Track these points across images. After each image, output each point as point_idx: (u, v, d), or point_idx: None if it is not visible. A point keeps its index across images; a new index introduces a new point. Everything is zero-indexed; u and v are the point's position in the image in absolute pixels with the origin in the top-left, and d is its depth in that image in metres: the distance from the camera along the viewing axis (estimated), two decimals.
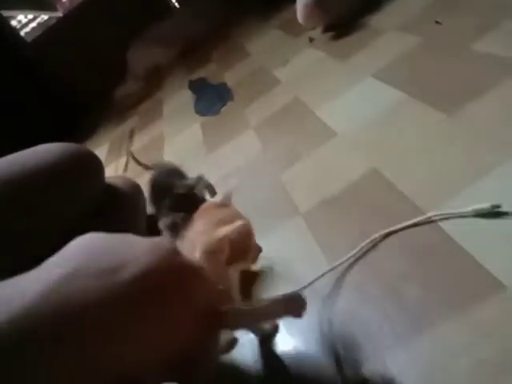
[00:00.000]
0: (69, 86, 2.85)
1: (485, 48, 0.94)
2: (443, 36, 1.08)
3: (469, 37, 1.00)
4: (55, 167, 0.92)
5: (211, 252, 0.50)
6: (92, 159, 1.04)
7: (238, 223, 0.51)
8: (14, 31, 3.07)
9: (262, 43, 1.91)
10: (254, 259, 0.56)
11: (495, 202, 0.62)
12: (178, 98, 2.02)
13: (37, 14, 3.75)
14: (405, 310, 0.59)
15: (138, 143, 1.83)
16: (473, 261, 0.58)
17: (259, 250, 0.57)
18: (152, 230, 1.10)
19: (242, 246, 0.53)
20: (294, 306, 0.61)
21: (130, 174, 1.58)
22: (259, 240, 0.82)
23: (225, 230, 0.51)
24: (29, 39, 3.24)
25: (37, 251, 0.81)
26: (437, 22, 1.14)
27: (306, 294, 0.70)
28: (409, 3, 1.37)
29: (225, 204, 0.59)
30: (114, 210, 1.01)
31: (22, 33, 3.53)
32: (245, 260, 0.55)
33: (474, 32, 1.00)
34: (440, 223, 0.65)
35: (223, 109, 1.58)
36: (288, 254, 0.80)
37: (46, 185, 0.89)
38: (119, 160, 1.78)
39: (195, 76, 2.14)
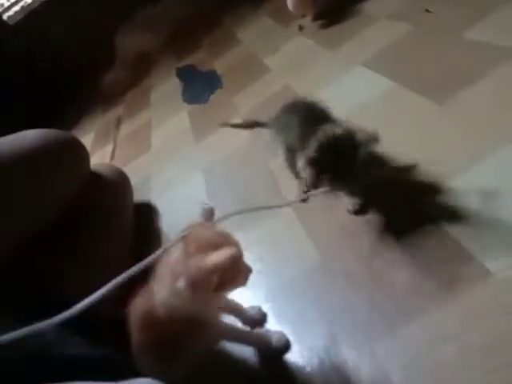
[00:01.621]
0: (54, 71, 2.78)
1: (476, 36, 0.94)
2: (434, 24, 1.07)
3: (460, 25, 1.00)
4: (36, 153, 0.90)
5: (199, 285, 0.45)
6: (75, 144, 1.02)
7: (228, 252, 0.45)
8: None
9: (253, 31, 1.88)
10: (244, 282, 0.51)
11: (491, 186, 0.62)
12: (166, 86, 1.98)
13: None
14: (393, 298, 0.59)
15: (125, 131, 1.80)
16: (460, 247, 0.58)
17: (249, 271, 0.51)
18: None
19: (232, 273, 0.48)
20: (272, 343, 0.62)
21: (116, 162, 1.55)
22: (248, 230, 0.81)
23: (214, 260, 0.45)
24: (11, 22, 3.14)
25: (16, 237, 0.79)
26: (427, 11, 1.14)
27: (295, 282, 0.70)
28: None
29: (208, 223, 0.54)
30: (99, 196, 1.00)
31: (5, 16, 3.43)
32: (234, 285, 0.50)
33: (465, 20, 1.00)
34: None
35: (212, 96, 1.55)
36: (278, 245, 0.79)
37: (25, 171, 0.86)
38: (105, 148, 1.75)
39: (184, 63, 2.10)
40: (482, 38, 0.92)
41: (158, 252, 0.48)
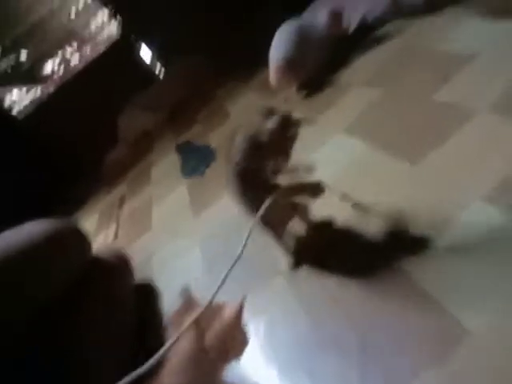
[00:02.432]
0: (61, 157, 2.94)
1: (443, 98, 1.00)
2: (405, 88, 1.15)
3: (428, 88, 1.06)
4: (39, 247, 0.96)
5: None
6: (77, 234, 1.08)
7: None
8: (3, 110, 3.23)
9: (243, 104, 2.01)
10: (241, 351, 0.53)
11: (461, 243, 0.64)
12: (166, 162, 2.08)
13: (29, 87, 3.94)
14: (382, 365, 0.58)
15: (128, 210, 1.86)
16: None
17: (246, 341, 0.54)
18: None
19: (232, 338, 0.50)
20: None
21: (119, 242, 1.60)
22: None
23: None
24: (22, 117, 3.38)
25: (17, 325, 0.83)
26: (399, 77, 1.22)
27: None
28: (374, 58, 1.46)
29: (192, 305, 0.57)
30: (99, 282, 1.03)
31: (15, 111, 3.69)
32: (233, 353, 0.52)
33: (433, 83, 1.07)
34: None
35: (207, 170, 1.62)
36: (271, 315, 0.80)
37: (28, 264, 0.92)
38: (110, 228, 1.81)
39: (182, 138, 2.21)
40: (449, 99, 0.98)
41: (166, 347, 0.50)
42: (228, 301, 0.59)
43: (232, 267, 0.69)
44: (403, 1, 1.48)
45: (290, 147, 0.75)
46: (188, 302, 0.57)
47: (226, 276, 0.62)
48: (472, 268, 0.61)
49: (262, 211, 0.71)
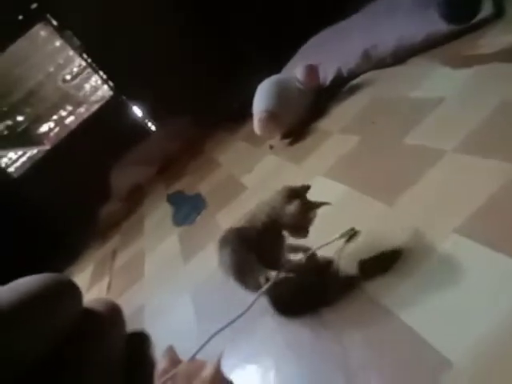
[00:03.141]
0: (55, 213, 2.98)
1: (413, 141, 1.07)
2: (378, 134, 1.23)
3: (399, 132, 1.14)
4: (36, 300, 0.98)
5: None
6: (68, 287, 1.09)
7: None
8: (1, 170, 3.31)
9: (230, 154, 2.09)
10: None
11: (441, 276, 0.68)
12: (158, 213, 2.12)
13: (25, 150, 4.05)
14: None
15: (120, 261, 1.88)
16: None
17: None
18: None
19: None
20: None
21: (112, 293, 1.60)
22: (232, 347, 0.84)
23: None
24: (18, 174, 3.45)
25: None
26: (372, 123, 1.30)
27: None
28: (349, 106, 1.56)
29: (176, 362, 0.60)
30: (91, 332, 1.03)
31: (12, 168, 3.77)
32: None
33: (403, 127, 1.15)
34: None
35: (198, 218, 1.67)
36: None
37: (28, 316, 0.94)
38: (103, 280, 1.81)
39: (173, 189, 2.28)
40: (419, 142, 1.05)
41: None
42: (206, 359, 0.61)
43: (220, 330, 0.73)
44: (373, 54, 1.61)
45: (308, 228, 0.82)
46: (172, 360, 0.60)
47: (212, 336, 0.66)
48: (451, 298, 0.64)
49: (268, 286, 0.79)
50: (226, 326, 0.69)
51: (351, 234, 0.90)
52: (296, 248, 0.88)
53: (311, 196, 1.16)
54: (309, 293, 0.84)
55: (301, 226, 0.81)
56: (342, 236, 0.90)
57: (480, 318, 0.57)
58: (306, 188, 0.85)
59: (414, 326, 0.63)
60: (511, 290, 0.57)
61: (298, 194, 0.83)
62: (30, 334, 0.94)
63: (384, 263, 0.78)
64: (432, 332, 0.61)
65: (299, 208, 0.78)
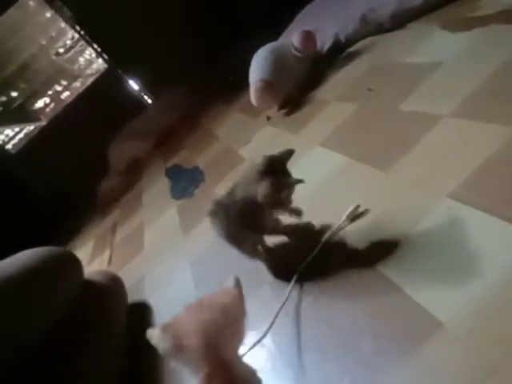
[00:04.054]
0: (54, 189, 2.98)
1: (410, 107, 1.06)
2: (375, 101, 1.21)
3: (396, 99, 1.12)
4: (37, 272, 0.99)
5: None
6: (68, 259, 1.11)
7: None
8: None
9: (228, 126, 2.07)
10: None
11: (434, 240, 0.68)
12: (156, 187, 2.12)
13: (22, 126, 4.02)
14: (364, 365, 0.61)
15: (121, 235, 1.89)
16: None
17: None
18: None
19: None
20: None
21: (113, 267, 1.62)
22: None
23: None
24: (15, 150, 3.44)
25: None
26: (369, 90, 1.28)
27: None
28: (347, 74, 1.53)
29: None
30: (92, 304, 1.05)
31: (10, 145, 3.75)
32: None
33: (400, 94, 1.13)
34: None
35: (196, 191, 1.67)
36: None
37: (29, 288, 0.95)
38: (104, 254, 1.83)
39: (170, 163, 2.27)
40: (415, 108, 1.04)
41: None
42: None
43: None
44: (371, 19, 1.57)
45: (286, 205, 0.82)
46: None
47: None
48: (445, 261, 0.64)
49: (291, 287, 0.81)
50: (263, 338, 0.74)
51: (358, 214, 0.86)
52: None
53: (309, 166, 1.17)
54: (304, 259, 0.84)
55: (275, 204, 0.80)
56: (348, 217, 0.86)
57: (473, 280, 0.58)
58: (288, 154, 0.82)
59: (406, 290, 0.64)
60: (505, 252, 0.58)
61: (276, 165, 0.80)
62: (31, 307, 0.95)
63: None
64: (425, 295, 0.62)
65: (270, 188, 0.76)
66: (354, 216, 0.86)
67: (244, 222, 0.80)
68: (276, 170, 0.79)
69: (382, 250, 0.74)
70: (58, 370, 0.88)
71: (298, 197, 0.83)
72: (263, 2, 2.74)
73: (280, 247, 0.91)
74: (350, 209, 0.85)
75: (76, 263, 1.11)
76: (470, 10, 1.24)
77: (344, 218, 0.86)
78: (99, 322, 1.03)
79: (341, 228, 0.86)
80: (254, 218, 0.81)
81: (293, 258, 0.87)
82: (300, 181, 0.80)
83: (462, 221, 0.67)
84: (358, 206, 0.86)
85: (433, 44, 1.23)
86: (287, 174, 0.81)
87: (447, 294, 0.60)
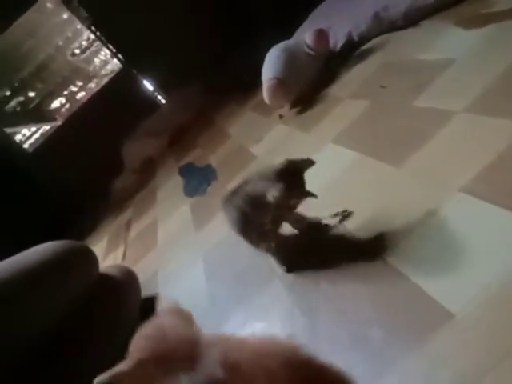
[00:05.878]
0: (70, 187, 3.04)
1: (422, 104, 1.06)
2: (388, 98, 1.21)
3: (409, 96, 1.12)
4: (53, 264, 1.02)
5: None
6: (84, 252, 1.13)
7: None
8: (15, 145, 3.36)
9: (240, 125, 2.09)
10: None
11: (446, 234, 0.68)
12: (170, 184, 2.15)
13: (38, 126, 4.10)
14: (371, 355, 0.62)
15: (135, 231, 1.93)
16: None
17: None
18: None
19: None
20: None
21: (127, 262, 1.65)
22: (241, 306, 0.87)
23: None
24: (32, 149, 3.51)
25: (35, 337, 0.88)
26: (382, 87, 1.28)
27: None
28: (359, 71, 1.54)
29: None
30: (107, 297, 1.08)
31: (27, 144, 3.83)
32: None
33: (413, 91, 1.13)
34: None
35: (209, 188, 1.69)
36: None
37: (45, 280, 0.98)
38: (118, 250, 1.87)
39: (184, 162, 2.29)
40: (428, 105, 1.04)
41: None
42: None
43: None
44: (384, 17, 1.57)
45: (290, 211, 0.84)
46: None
47: None
48: (455, 254, 0.65)
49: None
50: None
51: (345, 215, 0.89)
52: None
53: (322, 162, 1.17)
54: (315, 252, 0.85)
55: (282, 207, 0.81)
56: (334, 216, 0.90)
57: (483, 272, 0.59)
58: (308, 164, 0.81)
59: (417, 282, 0.65)
60: None
61: (294, 171, 0.80)
62: (47, 299, 0.97)
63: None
64: (435, 286, 0.62)
65: (282, 191, 0.77)
66: (342, 217, 0.89)
67: (249, 214, 0.82)
68: (293, 175, 0.80)
69: (391, 242, 0.75)
70: (66, 358, 0.91)
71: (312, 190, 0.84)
72: (274, 2, 2.75)
73: (289, 239, 0.92)
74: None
75: (91, 256, 1.14)
76: (484, 7, 1.23)
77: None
78: (112, 314, 1.05)
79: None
80: (258, 213, 0.82)
81: (302, 251, 0.88)
82: (313, 195, 0.81)
83: (473, 214, 0.67)
84: (345, 210, 0.89)
85: (446, 41, 1.23)
86: (302, 182, 0.81)
87: (457, 284, 0.60)
